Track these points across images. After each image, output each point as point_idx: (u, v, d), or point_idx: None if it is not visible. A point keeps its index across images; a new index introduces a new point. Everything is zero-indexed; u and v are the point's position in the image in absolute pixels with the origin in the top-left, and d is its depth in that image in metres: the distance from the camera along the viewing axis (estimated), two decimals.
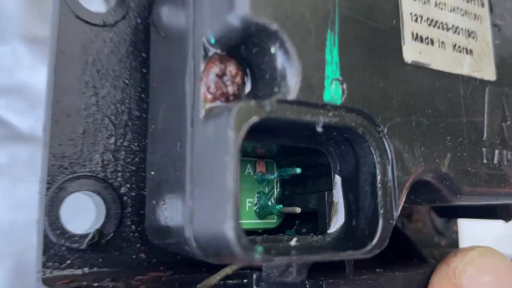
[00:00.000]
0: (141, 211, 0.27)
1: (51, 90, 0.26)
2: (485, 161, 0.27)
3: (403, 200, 0.23)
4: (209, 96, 0.21)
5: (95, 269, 0.25)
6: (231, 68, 0.21)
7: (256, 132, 0.21)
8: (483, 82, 0.28)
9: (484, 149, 0.27)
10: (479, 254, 0.27)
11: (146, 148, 0.27)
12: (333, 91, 0.21)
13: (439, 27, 0.26)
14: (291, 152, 0.27)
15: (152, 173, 0.25)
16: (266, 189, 0.27)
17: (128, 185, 0.27)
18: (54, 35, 0.26)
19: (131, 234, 0.27)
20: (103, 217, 0.26)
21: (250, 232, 0.23)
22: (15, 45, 0.43)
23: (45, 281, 0.24)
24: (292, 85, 0.20)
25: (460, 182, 0.25)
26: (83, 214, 0.27)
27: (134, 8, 0.28)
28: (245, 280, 0.27)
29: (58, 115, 0.26)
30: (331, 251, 0.21)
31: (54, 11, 0.26)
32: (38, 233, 0.25)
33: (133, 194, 0.27)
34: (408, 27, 0.25)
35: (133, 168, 0.27)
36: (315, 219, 0.26)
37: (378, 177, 0.22)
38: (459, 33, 0.27)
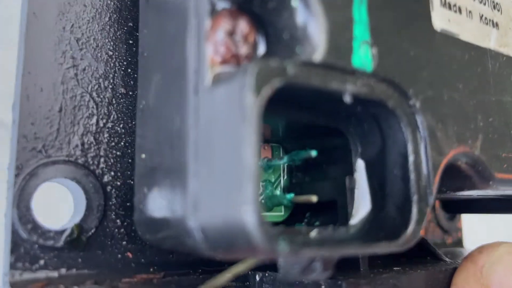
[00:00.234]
0: (128, 204, 0.23)
1: (21, 60, 0.22)
2: None
3: (438, 185, 0.20)
4: (217, 59, 0.17)
5: (74, 270, 0.21)
6: (243, 26, 0.17)
7: (270, 103, 0.18)
8: (510, 59, 0.25)
9: None
10: (508, 251, 0.24)
11: (133, 130, 0.24)
12: (363, 56, 0.18)
13: None
14: (301, 134, 0.23)
15: (143, 156, 0.21)
16: (273, 177, 0.24)
17: (112, 173, 0.23)
18: None
19: (116, 230, 0.23)
20: (83, 210, 0.22)
21: None
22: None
23: (13, 285, 0.20)
24: (318, 45, 0.17)
25: (493, 167, 0.22)
26: (59, 207, 0.23)
27: None
28: (246, 283, 0.24)
29: (30, 88, 0.22)
30: (362, 243, 0.18)
31: None
32: (5, 228, 0.21)
33: (118, 183, 0.23)
34: None
35: (118, 153, 0.24)
36: (329, 210, 0.23)
37: (410, 158, 0.19)
38: (485, 4, 0.24)
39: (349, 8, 0.18)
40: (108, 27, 0.24)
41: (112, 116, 0.24)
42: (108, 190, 0.23)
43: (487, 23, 0.24)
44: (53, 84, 0.22)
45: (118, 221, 0.23)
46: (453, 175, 0.23)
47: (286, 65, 0.16)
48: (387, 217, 0.20)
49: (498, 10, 0.25)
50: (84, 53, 0.23)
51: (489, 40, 0.24)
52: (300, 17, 0.17)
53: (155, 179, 0.20)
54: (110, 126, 0.24)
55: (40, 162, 0.21)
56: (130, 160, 0.24)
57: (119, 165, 0.24)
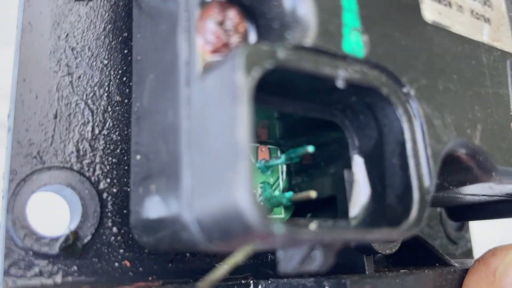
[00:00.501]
0: (125, 211, 0.23)
1: (16, 67, 0.22)
2: None
3: (438, 174, 0.19)
4: (208, 48, 0.17)
5: (70, 278, 0.21)
6: (233, 16, 0.18)
7: (262, 92, 0.18)
8: (504, 54, 0.25)
9: None
10: None
11: (129, 138, 0.24)
12: (354, 42, 0.18)
13: None
14: (297, 131, 0.23)
15: (138, 157, 0.21)
16: (271, 179, 0.24)
17: (108, 180, 0.23)
18: (21, 6, 0.23)
19: (113, 238, 0.23)
20: (79, 216, 0.22)
21: None
22: None
23: None
24: (307, 29, 0.17)
25: (494, 158, 0.22)
26: (55, 215, 0.23)
27: None
28: None
29: (25, 95, 0.22)
30: (364, 228, 0.17)
31: None
32: None
33: (115, 190, 0.23)
34: None
35: (114, 160, 0.23)
36: (330, 209, 0.22)
37: (408, 145, 0.19)
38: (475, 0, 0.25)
39: None
40: (103, 36, 0.24)
41: (107, 124, 0.24)
42: (104, 197, 0.23)
43: (478, 18, 0.24)
44: (48, 91, 0.22)
45: (114, 228, 0.23)
46: (454, 168, 0.22)
47: (276, 48, 0.16)
48: (388, 208, 0.19)
49: (489, 6, 0.25)
50: (79, 62, 0.23)
51: (481, 34, 0.24)
52: (288, 2, 0.17)
53: (150, 177, 0.20)
54: (105, 133, 0.23)
55: (35, 168, 0.21)
56: (126, 167, 0.23)
57: (115, 172, 0.23)
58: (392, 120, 0.19)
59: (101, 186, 0.23)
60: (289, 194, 0.22)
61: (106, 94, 0.24)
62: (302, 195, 0.21)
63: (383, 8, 0.20)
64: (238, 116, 0.15)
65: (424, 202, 0.18)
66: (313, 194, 0.21)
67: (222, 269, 0.16)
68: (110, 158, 0.23)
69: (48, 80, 0.23)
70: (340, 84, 0.18)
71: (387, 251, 0.23)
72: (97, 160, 0.23)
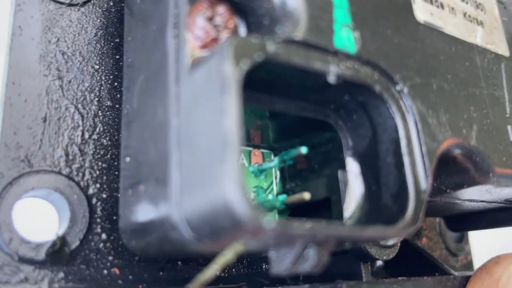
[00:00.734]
0: (114, 217, 0.22)
1: (6, 70, 0.22)
2: None
3: (434, 173, 0.19)
4: (197, 43, 0.17)
5: (56, 285, 0.20)
6: (222, 12, 0.17)
7: (254, 90, 0.18)
8: (498, 57, 0.25)
9: (509, 127, 0.24)
10: None
11: (119, 144, 0.23)
12: (345, 38, 0.18)
13: None
14: (291, 134, 0.23)
15: (128, 159, 0.21)
16: (265, 184, 0.23)
17: (97, 185, 0.23)
18: (12, 10, 0.22)
19: (102, 244, 0.22)
20: (67, 222, 0.21)
21: None
22: None
23: None
24: (298, 23, 0.17)
25: (490, 158, 0.22)
26: (42, 221, 0.22)
27: None
28: None
29: (14, 98, 0.21)
30: (358, 226, 0.17)
31: None
32: None
33: (104, 196, 0.23)
34: None
35: (104, 165, 0.23)
36: (325, 213, 0.22)
37: (403, 142, 0.19)
38: (467, 3, 0.25)
39: None
40: (95, 42, 0.24)
41: (98, 128, 0.23)
42: (94, 202, 0.22)
43: (471, 21, 0.24)
44: (38, 95, 0.22)
45: (104, 235, 0.22)
46: (451, 169, 0.22)
47: (266, 41, 0.16)
48: (384, 207, 0.19)
49: (482, 10, 0.25)
50: (70, 66, 0.23)
51: (475, 36, 0.24)
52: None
53: (139, 179, 0.19)
54: (95, 138, 0.23)
55: (22, 172, 0.21)
56: (116, 173, 0.23)
57: (105, 177, 0.23)
58: (386, 118, 0.19)
59: (90, 191, 0.22)
60: (282, 197, 0.21)
61: (96, 99, 0.24)
62: (296, 197, 0.21)
63: (374, 6, 0.20)
64: (227, 107, 0.14)
65: (420, 201, 0.18)
66: (306, 195, 0.20)
67: (212, 269, 0.16)
68: (100, 163, 0.23)
69: (38, 83, 0.22)
70: (331, 79, 0.17)
71: (384, 257, 0.23)
72: (87, 164, 0.23)
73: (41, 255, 0.20)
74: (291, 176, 0.24)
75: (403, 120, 0.19)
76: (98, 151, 0.23)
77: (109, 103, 0.24)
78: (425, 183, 0.18)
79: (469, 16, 0.24)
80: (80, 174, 0.22)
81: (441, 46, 0.22)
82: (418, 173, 0.18)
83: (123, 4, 0.25)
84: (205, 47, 0.17)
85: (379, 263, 0.30)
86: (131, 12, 0.23)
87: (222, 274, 0.25)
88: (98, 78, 0.24)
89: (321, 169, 0.22)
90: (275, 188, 0.24)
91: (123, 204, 0.21)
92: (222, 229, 0.15)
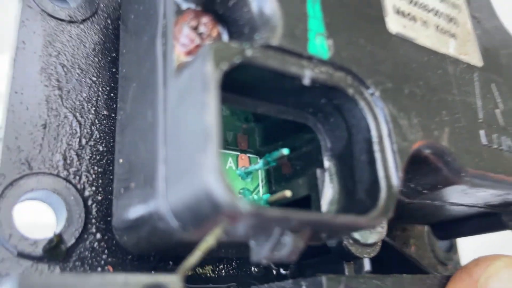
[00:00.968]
0: (109, 218, 0.24)
1: (9, 81, 0.23)
2: (484, 142, 0.25)
3: (405, 171, 0.20)
4: (183, 50, 0.19)
5: None
6: (207, 21, 0.19)
7: (235, 92, 0.19)
8: (471, 67, 0.26)
9: (482, 131, 0.25)
10: (506, 264, 0.23)
11: (114, 150, 0.25)
12: (319, 45, 0.20)
13: (419, 7, 0.26)
14: (275, 137, 0.24)
15: (121, 161, 0.22)
16: (251, 186, 0.25)
17: (93, 188, 0.24)
18: (16, 25, 0.24)
19: (96, 243, 0.23)
20: (63, 221, 0.23)
21: None
22: None
23: None
24: (274, 31, 0.19)
25: (462, 159, 0.23)
26: (41, 222, 0.23)
27: (104, 9, 0.27)
28: None
29: (16, 106, 0.23)
30: (331, 214, 0.18)
31: (18, 2, 0.25)
32: None
33: (99, 198, 0.24)
34: (389, 0, 0.24)
35: (99, 169, 0.24)
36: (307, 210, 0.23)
37: (374, 141, 0.20)
38: (439, 17, 0.26)
39: (303, 4, 0.20)
40: (92, 56, 0.26)
41: (94, 135, 0.25)
42: (89, 203, 0.24)
43: (444, 33, 0.26)
44: (38, 104, 0.24)
45: (98, 234, 0.23)
46: (424, 169, 0.23)
47: (244, 46, 0.18)
48: (358, 202, 0.20)
49: (455, 23, 0.27)
50: (69, 78, 0.25)
51: (447, 47, 0.26)
52: (259, 8, 0.19)
53: (131, 177, 0.21)
54: (92, 144, 0.25)
55: (22, 173, 0.22)
56: (111, 177, 0.24)
57: (100, 180, 0.24)
58: (359, 119, 0.21)
59: (86, 193, 0.24)
60: (266, 196, 0.23)
61: (94, 108, 0.25)
62: (278, 195, 0.22)
63: (347, 18, 0.21)
64: (207, 103, 0.16)
65: (391, 194, 0.19)
66: (288, 193, 0.21)
67: (196, 255, 0.17)
68: (96, 168, 0.24)
69: (39, 93, 0.24)
70: (306, 82, 0.19)
71: (365, 255, 0.24)
72: (83, 168, 0.24)
73: (39, 251, 0.21)
74: (276, 180, 0.25)
75: (375, 121, 0.20)
76: (94, 156, 0.24)
77: (105, 112, 0.26)
78: (395, 179, 0.20)
79: (442, 29, 0.26)
80: (77, 177, 0.24)
81: (414, 55, 0.24)
82: (389, 170, 0.20)
83: (119, 22, 0.27)
84: (190, 53, 0.19)
85: (366, 268, 0.31)
86: (126, 27, 0.25)
87: (213, 275, 0.26)
88: (95, 89, 0.26)
89: (302, 169, 0.24)
90: (261, 190, 0.25)
91: (116, 202, 0.22)
92: (204, 215, 0.16)
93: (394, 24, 0.23)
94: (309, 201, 0.22)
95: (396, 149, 0.20)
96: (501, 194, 0.26)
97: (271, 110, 0.21)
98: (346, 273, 0.24)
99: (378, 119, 0.20)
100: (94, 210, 0.24)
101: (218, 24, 0.20)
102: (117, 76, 0.26)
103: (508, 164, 0.25)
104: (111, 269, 0.23)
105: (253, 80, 0.19)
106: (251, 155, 0.25)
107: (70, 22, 0.26)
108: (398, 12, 0.24)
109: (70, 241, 0.22)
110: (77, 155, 0.24)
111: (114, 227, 0.22)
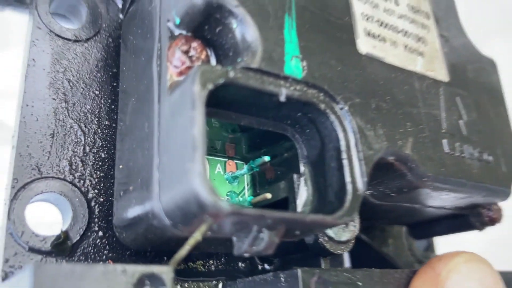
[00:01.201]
0: (110, 218, 0.27)
1: (21, 95, 0.26)
2: (447, 150, 0.27)
3: (370, 176, 0.23)
4: (175, 71, 0.22)
5: None
6: (196, 46, 0.22)
7: (222, 107, 0.22)
8: (437, 82, 0.29)
9: (445, 140, 0.28)
10: (465, 260, 0.26)
11: (115, 156, 0.28)
12: (294, 66, 0.23)
13: (389, 29, 0.28)
14: (259, 146, 0.27)
15: (120, 167, 0.25)
16: (237, 189, 0.27)
17: (96, 190, 0.27)
18: (26, 45, 0.27)
19: (99, 240, 0.26)
20: (69, 220, 0.25)
21: None
22: None
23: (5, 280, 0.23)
24: (255, 55, 0.21)
25: (424, 165, 0.26)
26: (48, 220, 0.26)
27: (106, 28, 0.30)
28: None
29: (27, 117, 0.26)
30: (302, 213, 0.21)
31: (29, 24, 0.28)
32: (0, 232, 0.24)
33: (101, 199, 0.27)
34: (361, 24, 0.27)
35: (101, 174, 0.27)
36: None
37: (343, 150, 0.23)
38: (408, 37, 0.29)
39: (281, 31, 0.23)
40: (96, 71, 0.29)
41: (97, 143, 0.28)
42: (92, 204, 0.26)
43: (412, 52, 0.29)
44: (47, 115, 0.27)
45: (100, 232, 0.26)
46: (391, 174, 0.26)
47: (228, 68, 0.20)
48: (329, 203, 0.23)
49: (423, 43, 0.30)
50: (74, 92, 0.28)
51: (415, 65, 0.29)
52: (241, 35, 0.22)
53: (129, 181, 0.24)
54: (95, 151, 0.27)
55: (33, 178, 0.25)
56: (112, 181, 0.27)
57: (102, 184, 0.27)
58: (331, 130, 0.23)
59: (90, 195, 0.27)
60: (249, 198, 0.26)
61: (96, 119, 0.28)
62: (260, 197, 0.25)
63: (321, 41, 0.24)
64: (195, 118, 0.19)
65: (356, 196, 0.22)
66: (268, 195, 0.24)
67: (185, 249, 0.20)
68: (98, 172, 0.27)
69: (47, 105, 0.27)
70: (283, 98, 0.22)
71: (338, 251, 0.27)
72: (87, 173, 0.27)
73: (47, 246, 0.24)
74: (261, 183, 0.28)
75: (344, 132, 0.23)
76: (97, 162, 0.27)
77: (107, 122, 0.28)
78: (361, 183, 0.22)
79: (410, 48, 0.29)
80: (82, 181, 0.27)
81: (381, 73, 0.26)
82: (355, 175, 0.22)
83: (119, 40, 0.30)
84: (181, 74, 0.22)
85: (346, 265, 0.34)
86: (126, 47, 0.28)
87: (203, 270, 0.29)
88: (98, 101, 0.28)
89: (283, 173, 0.26)
90: (247, 192, 0.28)
91: (116, 203, 0.25)
92: (191, 214, 0.19)
93: (364, 45, 0.26)
94: (287, 201, 0.25)
95: (362, 157, 0.23)
96: (464, 197, 0.29)
97: (254, 122, 0.24)
98: (323, 266, 0.27)
99: (347, 131, 0.23)
100: (96, 210, 0.26)
101: (207, 48, 0.23)
102: (117, 90, 0.29)
103: (469, 169, 0.28)
104: (111, 263, 0.26)
105: (237, 97, 0.22)
106: (238, 161, 0.28)
107: (76, 41, 0.29)
108: (369, 34, 0.27)
109: (75, 237, 0.25)
110: (82, 161, 0.27)
111: (115, 225, 0.25)
